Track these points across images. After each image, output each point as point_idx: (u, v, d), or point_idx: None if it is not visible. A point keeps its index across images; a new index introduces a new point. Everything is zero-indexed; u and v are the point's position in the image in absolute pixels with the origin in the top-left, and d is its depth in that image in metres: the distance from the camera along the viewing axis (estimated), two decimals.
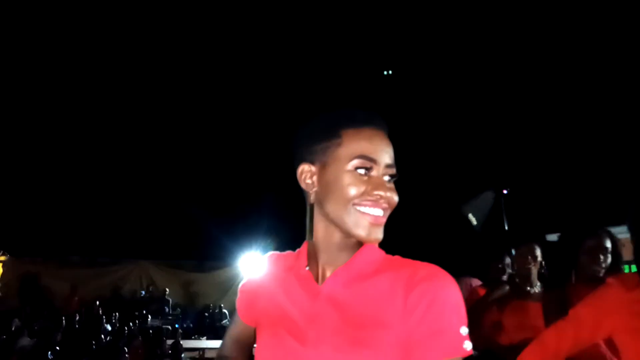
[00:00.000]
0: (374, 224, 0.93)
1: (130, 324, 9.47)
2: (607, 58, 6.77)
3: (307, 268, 1.01)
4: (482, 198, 4.43)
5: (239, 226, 10.22)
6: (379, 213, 0.94)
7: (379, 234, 0.94)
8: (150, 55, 8.51)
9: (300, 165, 0.99)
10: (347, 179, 0.93)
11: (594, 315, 1.41)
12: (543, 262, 3.07)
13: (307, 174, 0.98)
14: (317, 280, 0.99)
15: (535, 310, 2.64)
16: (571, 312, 1.46)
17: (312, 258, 1.02)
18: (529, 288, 3.01)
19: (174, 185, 10.56)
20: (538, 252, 3.06)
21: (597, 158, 7.22)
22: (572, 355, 1.48)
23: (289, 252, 1.11)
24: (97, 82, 9.02)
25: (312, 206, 1.00)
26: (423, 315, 0.86)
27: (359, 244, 0.98)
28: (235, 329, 1.20)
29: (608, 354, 1.95)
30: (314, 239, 1.01)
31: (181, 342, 8.78)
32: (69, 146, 9.93)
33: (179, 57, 8.48)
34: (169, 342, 8.49)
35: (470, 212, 4.24)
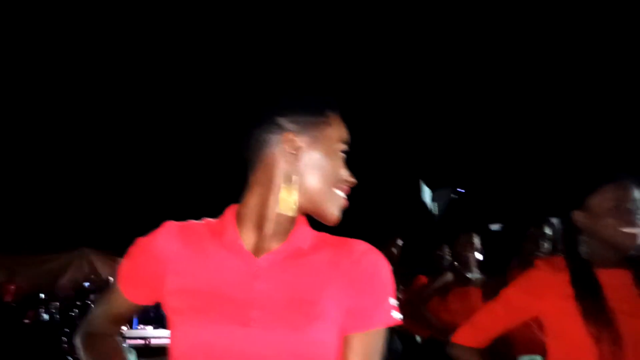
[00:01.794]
0: (343, 206, 1.00)
1: (71, 314, 9.16)
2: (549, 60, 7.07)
3: (240, 241, 0.95)
4: (441, 193, 4.62)
5: (183, 211, 10.00)
6: (345, 197, 1.00)
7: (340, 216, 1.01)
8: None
9: (283, 133, 0.95)
10: (337, 160, 0.99)
11: (522, 296, 1.49)
12: (481, 250, 3.25)
13: (290, 143, 0.95)
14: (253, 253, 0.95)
15: (477, 296, 2.79)
16: (502, 293, 1.54)
17: (246, 229, 0.96)
18: (469, 275, 3.19)
19: (115, 171, 10.23)
20: (476, 241, 3.23)
21: (537, 155, 7.57)
22: (503, 335, 1.57)
23: (190, 221, 1.03)
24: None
25: (277, 175, 0.94)
26: (365, 287, 0.93)
27: (294, 220, 1.00)
28: (113, 304, 1.08)
29: (538, 334, 2.09)
30: (263, 209, 0.95)
31: (125, 332, 8.57)
32: (6, 131, 9.44)
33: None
34: None
35: (430, 205, 4.40)
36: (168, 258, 0.95)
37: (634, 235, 1.34)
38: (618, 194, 1.37)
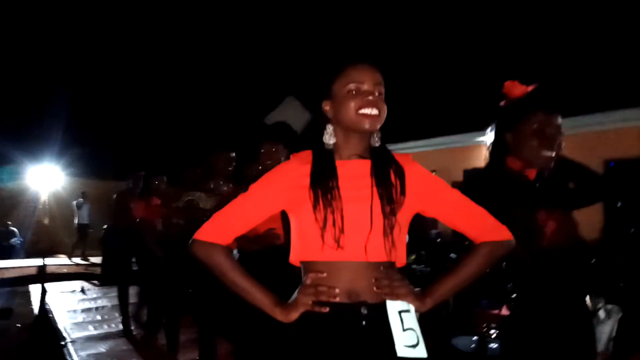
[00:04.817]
0: None
1: None
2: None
3: None
4: (286, 106, 4.47)
5: (28, 133, 9.25)
6: None
7: None
8: None
9: None
10: None
11: (268, 189, 1.42)
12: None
13: None
14: None
15: None
16: (250, 187, 1.45)
17: None
18: None
19: None
20: (281, 149, 3.54)
21: None
22: (249, 230, 1.47)
23: None
24: None
25: None
26: None
27: None
28: None
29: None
30: None
31: None
32: None
33: None
34: None
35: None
36: None
37: (371, 117, 1.34)
38: (353, 76, 1.35)
